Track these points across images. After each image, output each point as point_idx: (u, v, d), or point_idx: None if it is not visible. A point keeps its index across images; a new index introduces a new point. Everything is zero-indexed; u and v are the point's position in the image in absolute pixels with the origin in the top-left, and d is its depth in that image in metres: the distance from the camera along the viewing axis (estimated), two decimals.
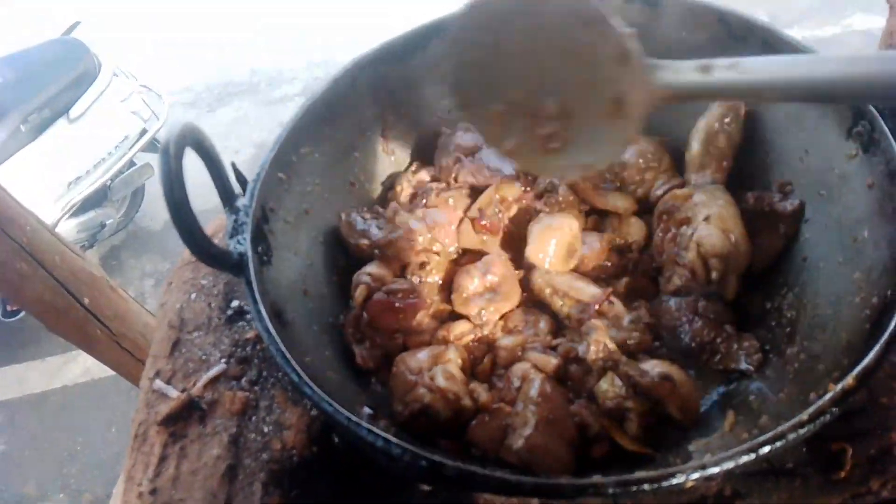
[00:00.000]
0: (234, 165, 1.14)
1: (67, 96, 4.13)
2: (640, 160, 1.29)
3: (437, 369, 1.03)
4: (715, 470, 0.76)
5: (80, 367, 3.83)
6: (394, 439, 0.81)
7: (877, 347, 0.81)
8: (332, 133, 1.28)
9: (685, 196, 1.18)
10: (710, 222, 1.12)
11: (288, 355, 0.90)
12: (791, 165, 1.19)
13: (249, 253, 1.00)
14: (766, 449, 0.75)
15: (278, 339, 0.92)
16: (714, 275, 1.10)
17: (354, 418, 0.84)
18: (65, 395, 3.80)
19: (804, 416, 0.78)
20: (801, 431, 0.77)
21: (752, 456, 0.76)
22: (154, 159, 4.73)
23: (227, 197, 1.07)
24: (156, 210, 5.02)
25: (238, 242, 1.03)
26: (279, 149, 1.15)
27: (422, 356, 1.06)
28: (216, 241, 1.15)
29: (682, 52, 1.25)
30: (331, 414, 0.85)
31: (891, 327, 0.83)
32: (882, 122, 1.00)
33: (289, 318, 1.02)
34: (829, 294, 1.04)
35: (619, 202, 1.26)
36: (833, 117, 1.09)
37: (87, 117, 4.26)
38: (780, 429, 0.77)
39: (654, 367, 1.03)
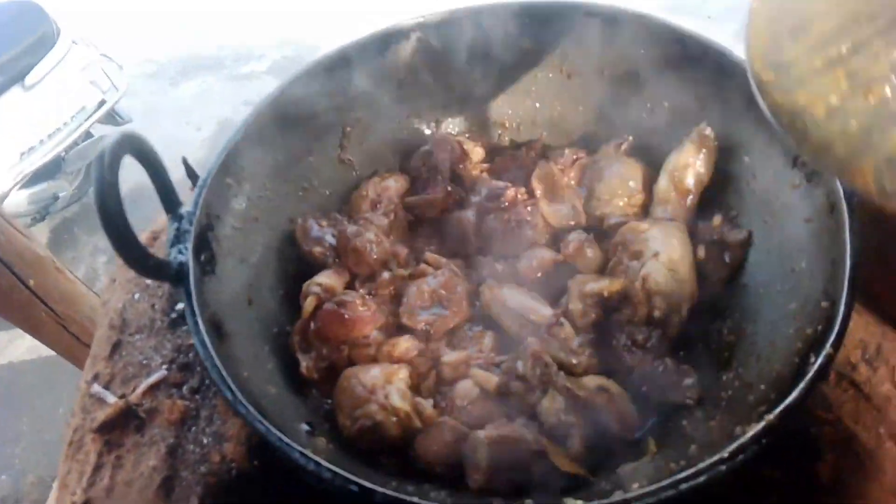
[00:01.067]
0: (185, 161, 1.12)
1: (23, 62, 3.96)
2: (619, 185, 1.30)
3: (391, 388, 1.03)
4: None
5: (27, 344, 3.72)
6: (325, 463, 0.81)
7: (801, 385, 0.83)
8: (286, 138, 1.25)
9: (641, 229, 1.20)
10: (658, 259, 1.14)
11: (223, 373, 0.89)
12: (740, 189, 1.22)
13: (190, 263, 0.98)
14: (686, 486, 0.77)
15: (214, 355, 0.90)
16: (657, 313, 1.13)
17: (286, 440, 0.83)
18: (10, 373, 3.69)
19: (725, 453, 0.80)
20: (722, 468, 0.79)
21: (673, 492, 0.78)
22: (113, 131, 4.59)
23: (170, 204, 1.04)
24: None
25: (179, 252, 1.00)
26: (227, 154, 1.12)
27: (375, 373, 1.05)
28: (156, 247, 1.13)
29: (637, 69, 1.30)
30: (263, 434, 0.85)
31: (816, 365, 0.85)
32: None
33: (229, 330, 1.01)
34: (766, 322, 1.07)
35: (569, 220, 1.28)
36: (778, 145, 1.11)
37: (43, 85, 4.10)
38: (701, 466, 0.79)
39: (591, 381, 1.06)
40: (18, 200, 4.24)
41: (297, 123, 1.26)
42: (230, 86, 5.67)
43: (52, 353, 3.41)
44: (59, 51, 4.13)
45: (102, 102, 4.42)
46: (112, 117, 4.60)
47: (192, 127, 5.13)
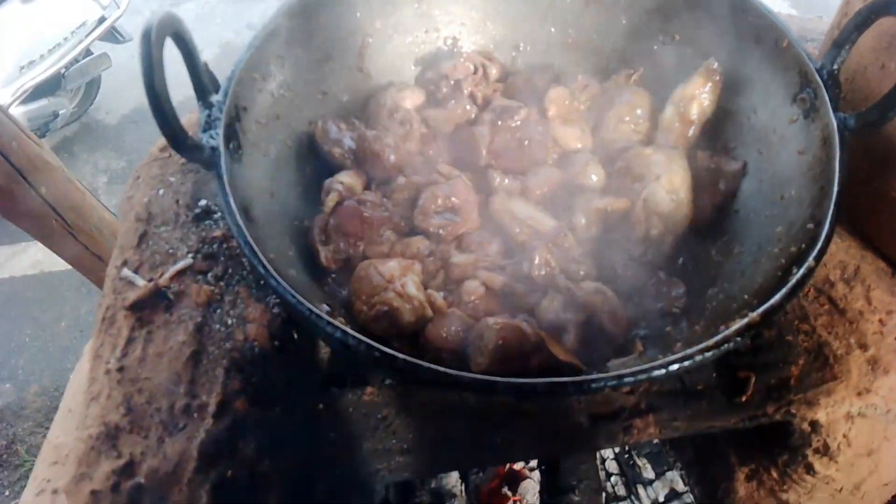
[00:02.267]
0: (205, 65, 1.16)
1: None
2: (626, 112, 1.36)
3: (408, 279, 1.10)
4: (629, 380, 0.87)
5: (30, 259, 3.78)
6: (351, 332, 0.90)
7: (783, 290, 0.92)
8: (308, 40, 1.29)
9: (645, 154, 1.27)
10: (659, 183, 1.22)
11: (255, 248, 0.96)
12: (739, 123, 1.28)
13: (221, 148, 1.03)
14: (675, 367, 0.86)
15: (247, 233, 0.97)
16: (654, 232, 1.21)
17: (316, 311, 0.91)
18: (12, 287, 3.76)
19: (710, 342, 0.89)
20: (707, 355, 0.88)
21: (663, 371, 0.87)
22: (112, 49, 4.52)
23: (202, 91, 1.08)
24: (112, 103, 4.82)
25: (211, 137, 1.05)
26: (255, 50, 1.16)
27: (392, 265, 1.12)
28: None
29: (653, 1, 1.35)
30: (294, 306, 0.92)
31: (798, 275, 0.93)
32: (825, 92, 1.08)
33: (255, 216, 1.07)
34: (752, 243, 1.15)
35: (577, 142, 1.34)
36: (781, 81, 1.17)
37: None
38: (688, 351, 0.88)
39: (588, 285, 1.14)
40: (17, 116, 4.20)
41: (320, 28, 1.30)
42: (232, 7, 5.57)
43: (55, 269, 3.48)
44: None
45: (103, 19, 4.35)
46: (113, 35, 4.52)
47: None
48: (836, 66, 1.09)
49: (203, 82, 1.09)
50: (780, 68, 1.18)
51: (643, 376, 0.88)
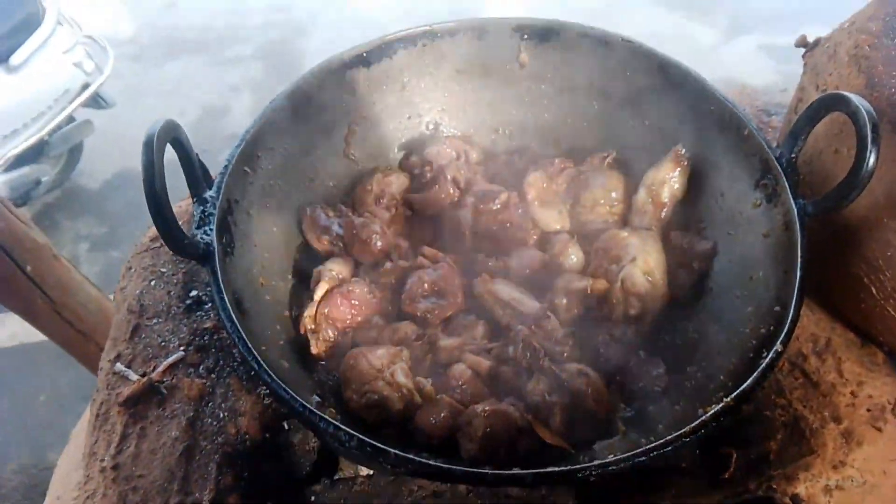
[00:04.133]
0: (197, 157, 1.21)
1: (7, 43, 3.88)
2: (602, 195, 1.43)
3: (396, 367, 1.13)
4: (614, 468, 0.91)
5: (7, 331, 3.70)
6: (343, 427, 0.92)
7: (754, 375, 0.97)
8: (296, 130, 1.34)
9: (620, 236, 1.33)
10: (636, 264, 1.27)
11: (249, 344, 0.99)
12: (709, 205, 1.35)
13: (215, 244, 1.08)
14: (656, 453, 0.90)
15: (240, 328, 1.00)
16: (632, 311, 1.26)
17: (309, 406, 0.94)
18: None
19: (688, 427, 0.93)
20: (686, 440, 0.92)
21: (644, 459, 0.90)
22: (95, 115, 4.56)
23: (196, 188, 1.14)
24: (94, 168, 4.83)
25: (205, 233, 1.10)
26: (245, 144, 1.21)
27: (381, 353, 1.15)
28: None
29: (623, 90, 1.44)
30: (287, 402, 0.95)
31: (767, 359, 0.99)
32: (784, 179, 1.16)
33: (247, 308, 1.10)
34: (726, 322, 1.20)
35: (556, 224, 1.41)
36: (744, 167, 1.24)
37: (27, 67, 4.02)
38: (668, 437, 0.92)
39: (572, 366, 1.18)
40: (0, 184, 4.20)
41: (308, 118, 1.36)
42: (214, 70, 5.66)
43: (33, 341, 3.40)
44: (43, 31, 4.03)
45: (86, 85, 4.36)
46: (96, 101, 4.54)
47: (176, 111, 5.08)
48: (794, 154, 1.17)
49: (198, 179, 1.13)
50: (742, 155, 1.26)
51: (627, 463, 0.91)
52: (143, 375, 1.18)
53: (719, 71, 5.03)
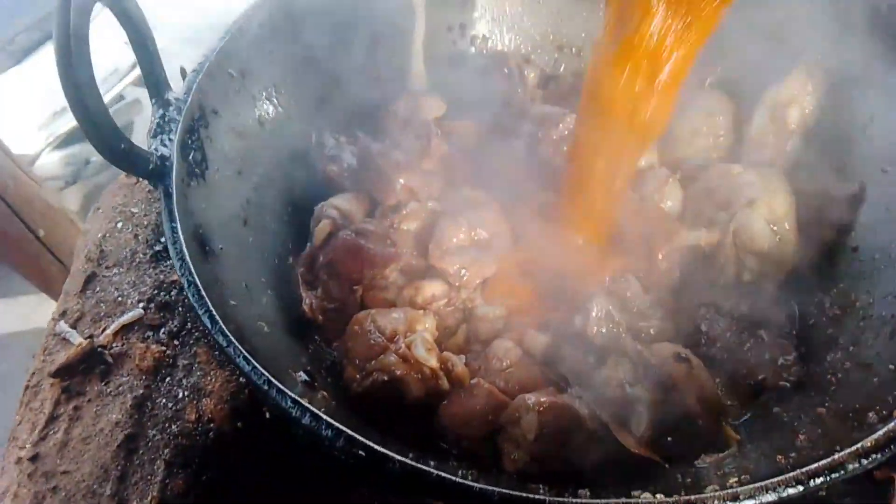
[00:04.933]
0: (183, 71, 0.94)
1: None
2: (703, 122, 1.11)
3: (416, 337, 0.84)
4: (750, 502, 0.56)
5: None
6: (326, 417, 0.61)
7: None
8: (304, 35, 1.07)
9: (730, 173, 1.01)
10: (753, 208, 0.95)
11: (203, 292, 0.70)
12: (852, 135, 1.02)
13: (175, 158, 0.81)
14: (793, 490, 0.58)
15: (194, 271, 0.72)
16: (747, 275, 0.96)
17: (276, 383, 0.63)
18: None
19: (848, 451, 0.60)
20: (849, 468, 0.59)
21: (800, 489, 0.57)
22: (144, 94, 4.50)
23: (156, 85, 0.88)
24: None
25: (162, 143, 0.83)
26: (230, 38, 0.95)
27: (396, 316, 0.86)
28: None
29: None
30: (247, 374, 0.65)
31: None
32: None
33: (218, 250, 0.83)
34: (884, 292, 0.89)
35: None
36: None
37: None
38: (812, 468, 0.59)
39: (665, 348, 0.86)
40: (51, 162, 4.19)
41: (323, 17, 1.08)
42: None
43: (4, 332, 3.23)
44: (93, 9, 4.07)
45: (135, 65, 4.33)
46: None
47: None
48: None
49: (157, 72, 0.88)
50: None
51: (770, 496, 0.57)
52: (89, 338, 0.90)
53: None
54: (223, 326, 0.69)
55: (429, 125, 1.11)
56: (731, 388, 0.90)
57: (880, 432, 0.61)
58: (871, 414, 0.69)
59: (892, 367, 0.78)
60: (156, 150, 0.80)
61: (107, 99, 4.32)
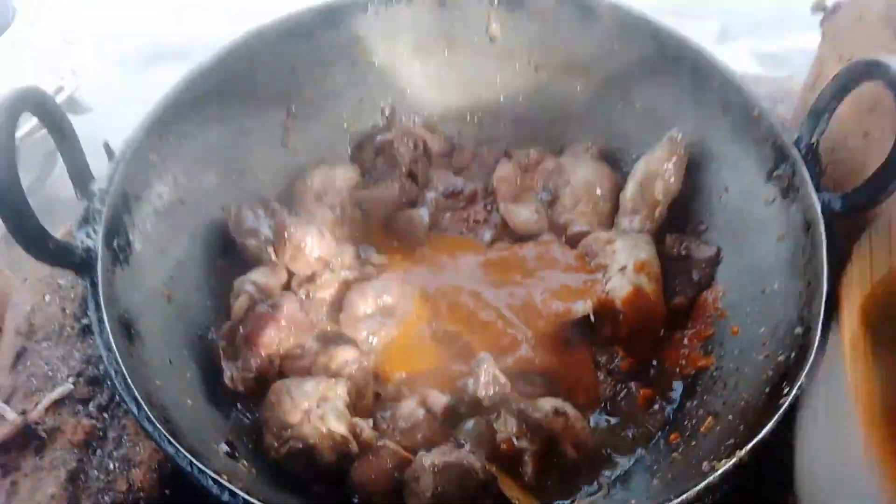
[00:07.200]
0: (106, 146, 1.00)
1: None
2: (585, 191, 1.22)
3: (328, 407, 0.92)
4: None
5: None
6: (242, 493, 0.71)
7: (773, 420, 0.77)
8: (222, 112, 1.13)
9: (606, 240, 1.13)
10: (625, 274, 1.07)
11: (129, 381, 0.79)
12: (710, 203, 1.15)
13: (100, 249, 0.87)
14: None
15: (120, 360, 0.80)
16: (622, 333, 1.06)
17: (198, 464, 0.74)
18: None
19: (691, 493, 0.72)
20: None
21: None
22: (73, 120, 4.33)
23: (80, 178, 0.93)
24: None
25: (87, 235, 0.89)
26: (151, 125, 1.00)
27: (309, 388, 0.94)
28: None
29: (610, 66, 1.22)
30: (171, 456, 0.74)
31: (789, 398, 0.77)
32: (804, 169, 0.95)
33: (143, 331, 0.90)
34: (733, 346, 1.00)
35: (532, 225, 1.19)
36: (754, 156, 1.04)
37: None
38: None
39: (547, 403, 0.98)
40: None
41: (236, 97, 1.14)
42: None
43: None
44: (14, 32, 3.89)
45: (60, 89, 4.17)
46: (72, 105, 4.35)
47: None
48: (814, 139, 0.97)
49: (80, 167, 0.93)
50: (751, 141, 1.06)
51: None
52: (22, 414, 0.95)
53: None
54: (148, 413, 0.76)
55: (342, 194, 1.22)
56: (606, 434, 1.01)
57: (700, 486, 0.75)
58: (705, 464, 0.79)
59: (729, 416, 0.90)
60: (81, 242, 0.86)
61: (29, 127, 4.17)
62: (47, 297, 1.13)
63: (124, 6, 5.98)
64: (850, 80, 0.89)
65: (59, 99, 4.12)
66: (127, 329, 0.87)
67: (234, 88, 1.13)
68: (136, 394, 0.78)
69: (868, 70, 0.86)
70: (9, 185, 0.73)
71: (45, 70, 4.05)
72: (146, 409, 0.77)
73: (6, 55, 3.80)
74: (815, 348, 0.81)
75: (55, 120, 0.88)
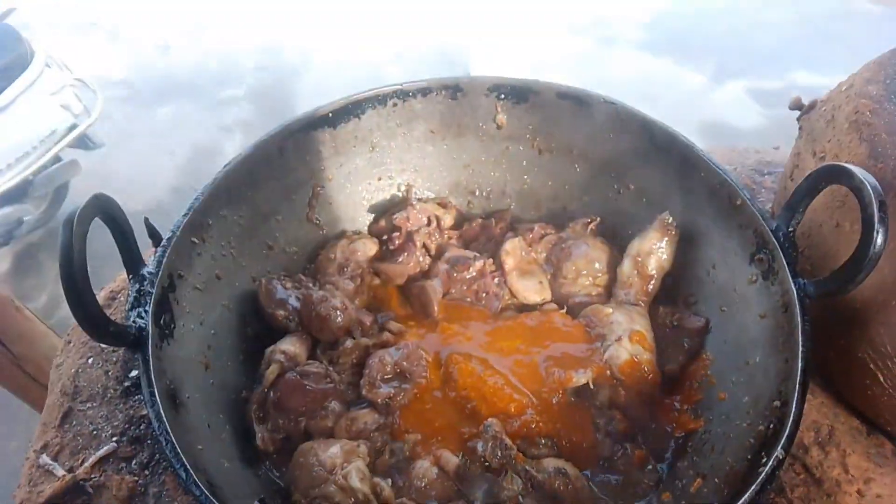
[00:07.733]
0: (147, 222, 1.10)
1: None
2: (584, 265, 1.33)
3: (351, 468, 1.01)
4: None
5: None
6: None
7: (752, 488, 0.85)
8: (254, 196, 1.25)
9: (605, 312, 1.22)
10: (622, 344, 1.16)
11: (178, 450, 0.87)
12: (699, 278, 1.25)
13: (150, 328, 0.96)
14: None
15: (169, 430, 0.89)
16: (620, 398, 1.15)
17: None
18: None
19: None
20: None
21: None
22: (84, 156, 4.51)
23: (133, 265, 1.03)
24: None
25: (139, 315, 0.98)
26: (193, 213, 1.11)
27: (334, 450, 1.03)
28: (113, 307, 1.11)
29: (606, 152, 1.34)
30: None
31: (767, 468, 0.86)
32: (781, 255, 1.05)
33: (185, 398, 0.99)
34: (720, 413, 1.08)
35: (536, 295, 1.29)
36: (738, 239, 1.14)
37: (13, 108, 4.03)
38: None
39: (549, 464, 1.06)
40: None
41: (267, 181, 1.26)
42: (206, 111, 5.61)
43: None
44: (31, 73, 4.08)
45: (74, 126, 4.35)
46: (84, 141, 4.53)
47: (166, 153, 5.05)
48: (791, 228, 1.07)
49: (134, 256, 1.03)
50: (735, 226, 1.16)
51: None
52: (70, 470, 1.05)
53: (708, 115, 5.00)
54: (195, 478, 0.85)
55: (361, 266, 1.33)
56: (605, 490, 1.07)
57: None
58: None
59: (716, 479, 0.97)
60: (133, 322, 0.96)
61: (44, 160, 4.36)
62: (90, 360, 1.23)
63: (133, 47, 6.25)
64: (820, 182, 1.00)
65: (72, 135, 4.33)
66: (173, 399, 0.96)
67: (266, 174, 1.26)
68: (185, 460, 0.86)
69: (835, 174, 0.97)
70: (82, 287, 0.84)
71: (60, 108, 4.26)
72: (193, 474, 0.86)
73: (24, 95, 4.01)
74: (790, 423, 0.90)
75: (118, 223, 0.97)
